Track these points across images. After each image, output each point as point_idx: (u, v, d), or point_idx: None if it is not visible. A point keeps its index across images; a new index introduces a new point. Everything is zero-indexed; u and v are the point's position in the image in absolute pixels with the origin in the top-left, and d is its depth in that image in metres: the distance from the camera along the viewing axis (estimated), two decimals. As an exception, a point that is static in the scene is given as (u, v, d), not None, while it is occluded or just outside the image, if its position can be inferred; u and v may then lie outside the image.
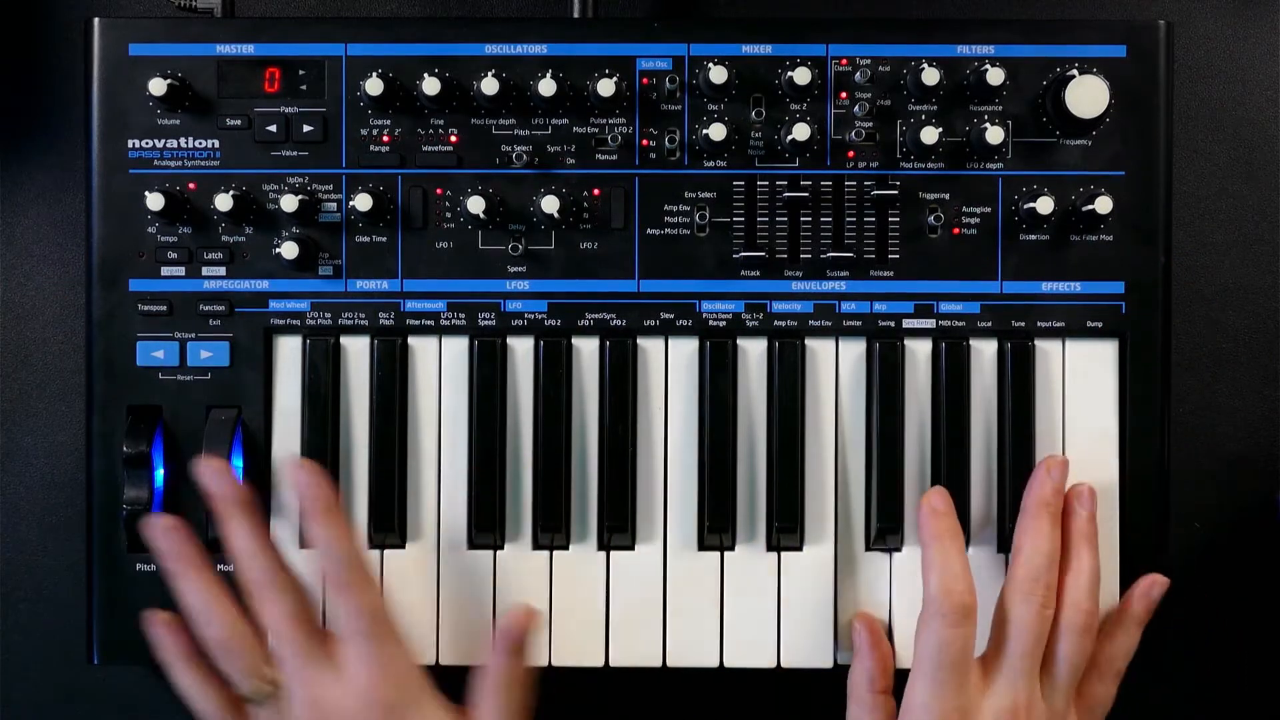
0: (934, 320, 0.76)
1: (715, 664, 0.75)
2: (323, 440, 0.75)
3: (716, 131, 0.74)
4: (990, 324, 0.76)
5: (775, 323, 0.76)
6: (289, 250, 0.74)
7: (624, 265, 0.76)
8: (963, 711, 0.69)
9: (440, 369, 0.77)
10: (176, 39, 0.75)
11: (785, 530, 0.75)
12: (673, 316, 0.76)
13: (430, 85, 0.74)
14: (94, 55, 0.75)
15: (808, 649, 0.76)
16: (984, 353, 0.76)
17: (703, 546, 0.76)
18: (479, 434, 0.75)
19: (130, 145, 0.75)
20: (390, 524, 0.75)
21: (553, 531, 0.75)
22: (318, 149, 0.76)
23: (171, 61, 0.75)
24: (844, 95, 0.76)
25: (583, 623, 0.75)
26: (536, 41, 0.75)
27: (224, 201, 0.74)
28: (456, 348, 0.77)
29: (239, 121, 0.75)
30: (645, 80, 0.76)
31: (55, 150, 0.84)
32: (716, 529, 0.75)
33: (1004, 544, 0.76)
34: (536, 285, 0.76)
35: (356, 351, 0.77)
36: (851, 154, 0.76)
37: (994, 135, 0.74)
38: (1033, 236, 0.76)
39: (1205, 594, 0.82)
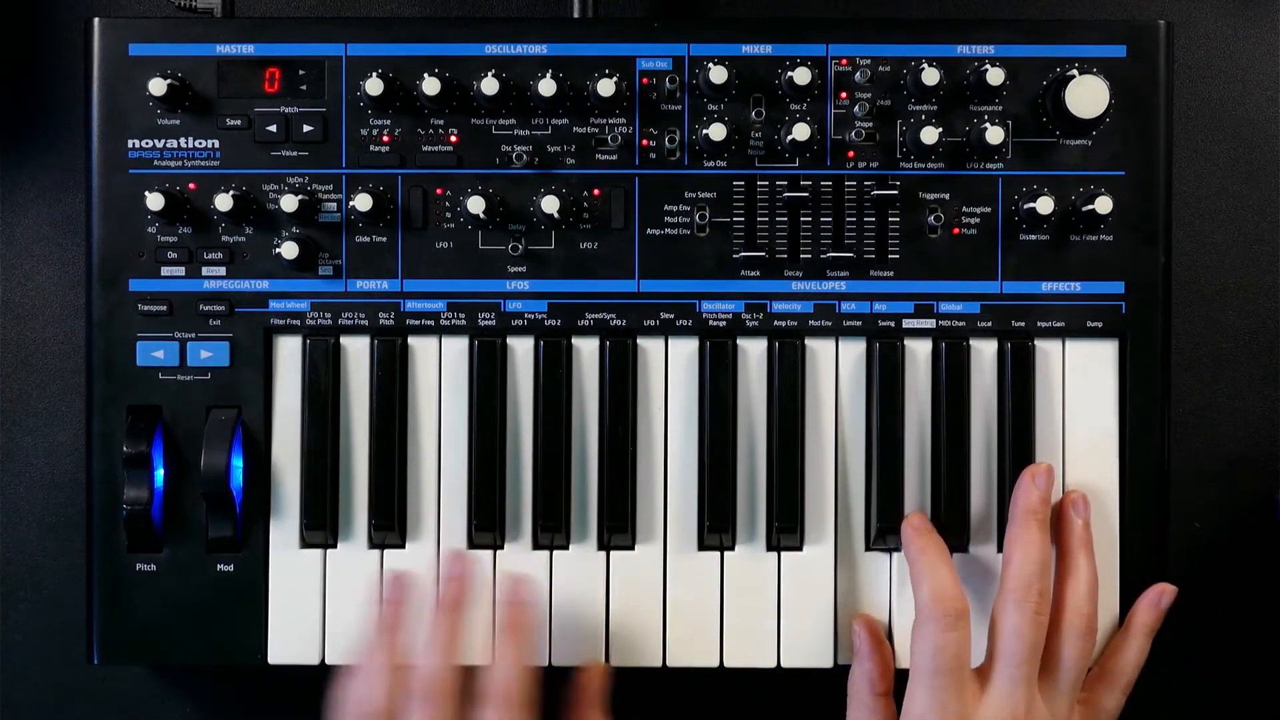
0: (934, 320, 0.76)
1: (715, 664, 0.75)
2: (323, 440, 0.75)
3: (716, 131, 0.74)
4: (990, 324, 0.76)
5: (775, 323, 0.76)
6: (289, 250, 0.74)
7: (624, 265, 0.76)
8: (961, 717, 0.69)
9: (440, 369, 0.77)
10: (176, 39, 0.75)
11: (785, 530, 0.75)
12: (673, 316, 0.76)
13: (430, 85, 0.74)
14: (94, 55, 0.75)
15: (808, 649, 0.76)
16: (984, 353, 0.76)
17: (703, 546, 0.76)
18: (479, 434, 0.75)
19: (130, 145, 0.75)
20: (390, 524, 0.75)
21: (553, 531, 0.75)
22: (318, 149, 0.76)
23: (171, 61, 0.75)
24: (844, 95, 0.76)
25: (583, 623, 0.75)
26: (536, 41, 0.75)
27: (224, 201, 0.74)
28: (456, 348, 0.77)
29: (239, 121, 0.75)
30: (645, 80, 0.76)
31: (55, 150, 0.84)
32: (716, 529, 0.75)
33: (1003, 544, 0.75)
34: (536, 285, 0.76)
35: (356, 351, 0.77)
36: (851, 154, 0.76)
37: (994, 135, 0.74)
38: (1033, 236, 0.76)
39: (1205, 594, 0.82)
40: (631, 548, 0.76)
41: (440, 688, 0.68)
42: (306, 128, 0.75)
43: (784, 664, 0.76)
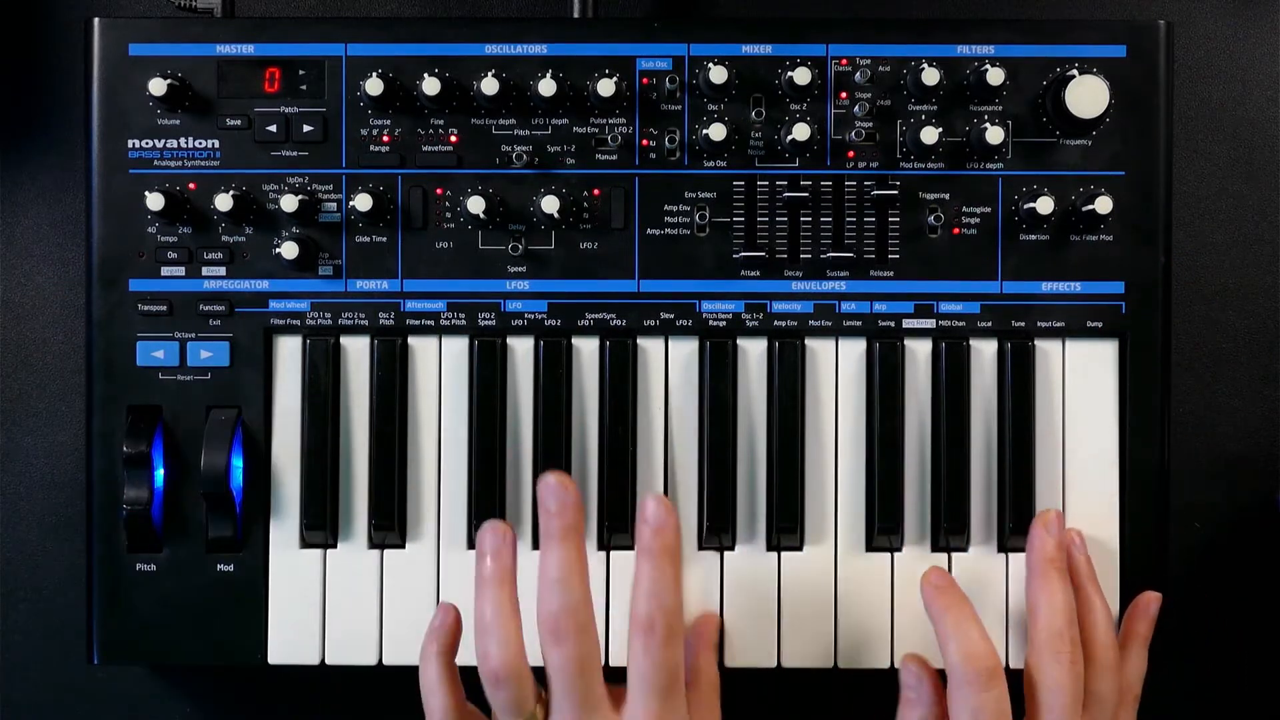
0: (934, 320, 0.76)
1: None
2: (323, 440, 0.75)
3: (716, 131, 0.74)
4: (990, 324, 0.76)
5: (775, 323, 0.76)
6: (289, 250, 0.74)
7: (624, 265, 0.76)
8: None
9: (440, 369, 0.77)
10: (176, 39, 0.75)
11: (785, 530, 0.75)
12: (673, 316, 0.76)
13: (430, 85, 0.74)
14: (94, 55, 0.75)
15: (808, 649, 0.76)
16: (984, 353, 0.76)
17: (703, 546, 0.76)
18: (479, 434, 0.75)
19: (130, 145, 0.75)
20: (390, 524, 0.75)
21: (553, 531, 0.75)
22: (318, 149, 0.76)
23: (171, 61, 0.75)
24: (844, 95, 0.76)
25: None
26: (536, 41, 0.75)
27: (224, 201, 0.74)
28: (456, 348, 0.77)
29: (239, 121, 0.75)
30: (645, 80, 0.76)
31: (55, 150, 0.84)
32: (716, 529, 0.75)
33: (1004, 544, 0.76)
34: (536, 285, 0.76)
35: (356, 351, 0.77)
36: (851, 154, 0.76)
37: (994, 135, 0.74)
38: (1033, 236, 0.76)
39: (1205, 594, 0.82)
40: (631, 548, 0.76)
41: (580, 620, 0.64)
42: (306, 128, 0.75)
43: (784, 664, 0.76)
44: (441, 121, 0.76)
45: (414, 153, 0.76)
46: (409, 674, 0.72)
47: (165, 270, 0.76)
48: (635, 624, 0.65)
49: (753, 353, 0.76)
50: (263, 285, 0.76)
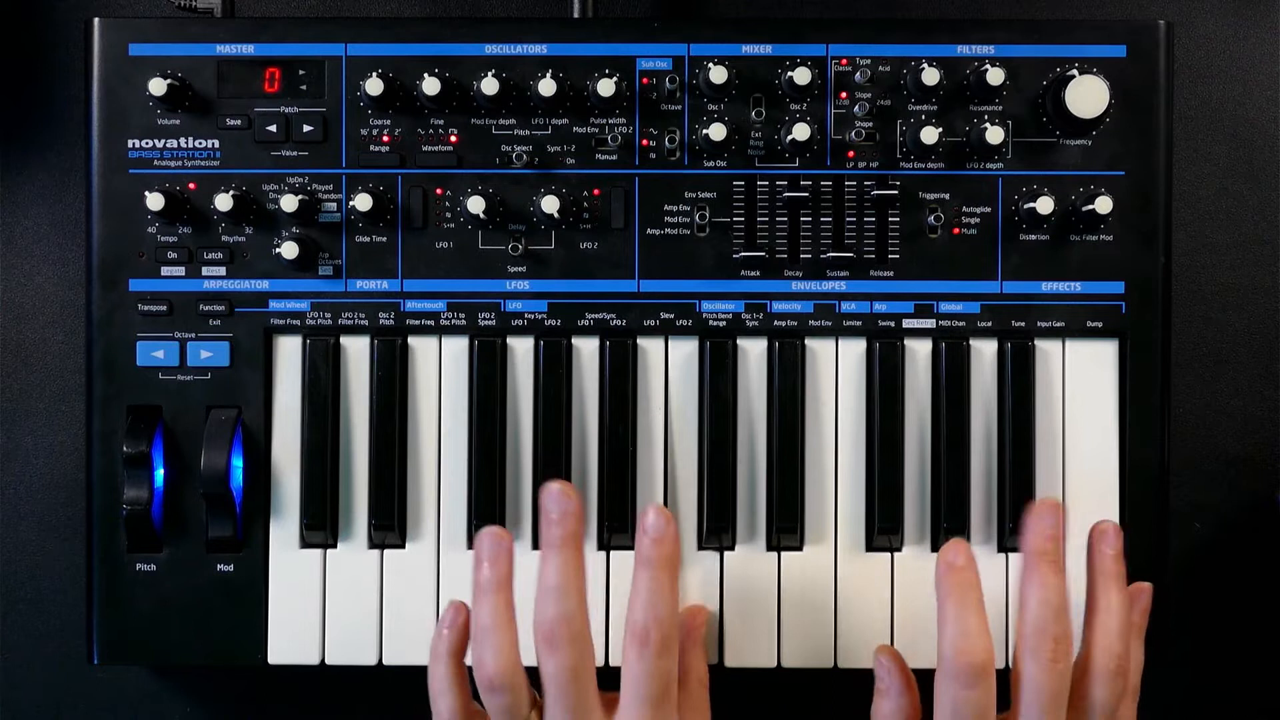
0: (934, 320, 0.76)
1: (715, 664, 0.75)
2: (323, 440, 0.75)
3: (716, 131, 0.74)
4: (990, 324, 0.76)
5: (775, 323, 0.76)
6: (289, 250, 0.74)
7: (624, 265, 0.76)
8: None
9: (440, 369, 0.77)
10: (176, 39, 0.75)
11: (785, 530, 0.75)
12: (673, 316, 0.76)
13: (430, 85, 0.74)
14: (94, 55, 0.75)
15: (808, 649, 0.76)
16: (984, 353, 0.76)
17: (703, 546, 0.76)
18: (479, 434, 0.75)
19: (130, 145, 0.75)
20: (390, 524, 0.75)
21: (553, 531, 0.75)
22: (318, 149, 0.76)
23: (171, 61, 0.75)
24: (844, 95, 0.76)
25: (583, 623, 0.75)
26: (536, 41, 0.75)
27: (224, 201, 0.74)
28: (456, 348, 0.77)
29: (239, 121, 0.75)
30: (645, 80, 0.76)
31: (55, 150, 0.84)
32: (716, 529, 0.75)
33: (1004, 544, 0.76)
34: (536, 285, 0.76)
35: (356, 351, 0.77)
36: (851, 154, 0.76)
37: (994, 135, 0.74)
38: (1033, 236, 0.76)
39: (1205, 594, 0.82)
40: (631, 548, 0.76)
41: (574, 628, 0.65)
42: (306, 128, 0.75)
43: (784, 664, 0.76)
44: (441, 121, 0.76)
45: (414, 153, 0.76)
46: (409, 674, 0.72)
47: (165, 270, 0.76)
48: (631, 633, 0.66)
49: (753, 353, 0.76)
50: (263, 285, 0.76)
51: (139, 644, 0.75)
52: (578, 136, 0.76)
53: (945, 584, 0.68)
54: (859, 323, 0.76)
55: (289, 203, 0.74)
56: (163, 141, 0.76)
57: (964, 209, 0.76)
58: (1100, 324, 0.76)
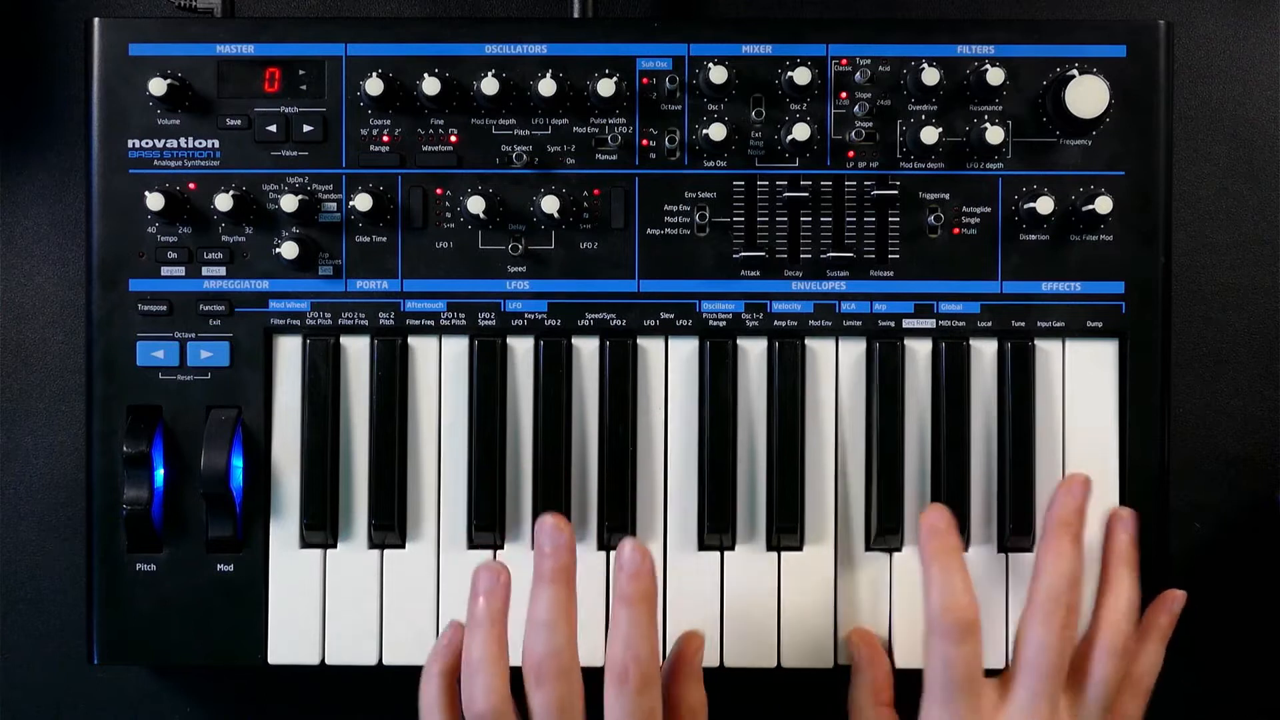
0: (934, 320, 0.76)
1: (716, 664, 0.75)
2: (323, 440, 0.75)
3: (716, 131, 0.74)
4: (990, 324, 0.76)
5: (775, 323, 0.76)
6: (289, 250, 0.74)
7: (624, 265, 0.76)
8: None
9: (440, 369, 0.77)
10: (176, 39, 0.75)
11: (785, 530, 0.75)
12: (673, 316, 0.76)
13: (430, 85, 0.74)
14: (94, 55, 0.75)
15: (808, 649, 0.76)
16: (984, 353, 0.76)
17: (703, 546, 0.76)
18: (479, 434, 0.75)
19: (130, 145, 0.75)
20: (390, 524, 0.75)
21: (553, 531, 0.75)
22: (318, 149, 0.76)
23: (171, 61, 0.75)
24: (844, 95, 0.76)
25: (583, 623, 0.75)
26: (536, 41, 0.75)
27: (224, 201, 0.74)
28: (456, 348, 0.77)
29: (239, 121, 0.75)
30: (645, 80, 0.76)
31: (55, 150, 0.84)
32: (716, 529, 0.75)
33: (1004, 544, 0.76)
34: (536, 285, 0.76)
35: (356, 351, 0.77)
36: (851, 154, 0.76)
37: (994, 135, 0.74)
38: (1033, 236, 0.76)
39: (1205, 594, 0.82)
40: (631, 548, 0.76)
41: (562, 663, 0.65)
42: (306, 128, 0.75)
43: (784, 664, 0.76)
44: (441, 121, 0.76)
45: (414, 153, 0.76)
46: (409, 674, 0.72)
47: (165, 270, 0.76)
48: (610, 671, 0.66)
49: (753, 353, 0.76)
50: (263, 285, 0.76)
51: (139, 644, 0.75)
52: (578, 136, 0.76)
53: (929, 547, 0.69)
54: (859, 323, 0.76)
55: (289, 203, 0.74)
56: (163, 141, 0.76)
57: (964, 209, 0.76)
58: (1100, 324, 0.76)
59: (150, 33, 0.76)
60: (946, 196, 0.76)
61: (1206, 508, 0.83)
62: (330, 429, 0.76)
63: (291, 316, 0.76)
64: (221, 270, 0.76)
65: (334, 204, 0.76)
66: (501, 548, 0.76)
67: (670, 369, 0.77)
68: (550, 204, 0.74)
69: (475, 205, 0.74)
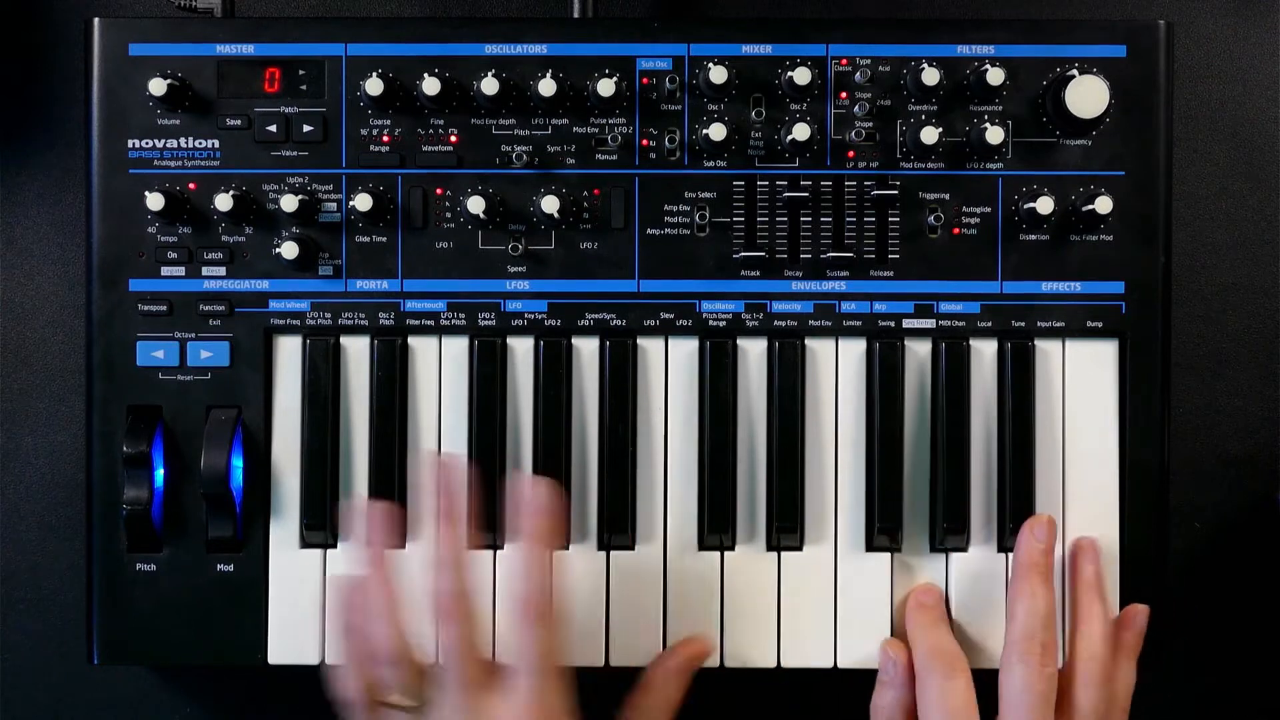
0: (934, 320, 0.76)
1: (715, 664, 0.75)
2: (323, 440, 0.75)
3: (716, 131, 0.74)
4: (990, 324, 0.76)
5: (775, 323, 0.76)
6: (289, 250, 0.74)
7: (624, 265, 0.76)
8: None
9: (440, 369, 0.77)
10: (176, 39, 0.75)
11: (785, 530, 0.75)
12: (673, 316, 0.76)
13: (430, 85, 0.74)
14: (94, 55, 0.75)
15: (808, 649, 0.76)
16: (984, 353, 0.76)
17: (703, 546, 0.76)
18: (479, 434, 0.75)
19: (130, 145, 0.75)
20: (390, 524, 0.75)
21: (553, 531, 0.75)
22: (318, 149, 0.76)
23: (171, 61, 0.75)
24: (844, 95, 0.76)
25: (582, 623, 0.75)
26: (536, 41, 0.75)
27: (224, 201, 0.74)
28: (456, 348, 0.77)
29: (239, 121, 0.75)
30: (645, 80, 0.76)
31: (55, 150, 0.84)
32: (716, 529, 0.75)
33: (1004, 544, 0.76)
34: (536, 285, 0.76)
35: (356, 351, 0.77)
36: (851, 154, 0.76)
37: (994, 135, 0.74)
38: (1033, 236, 0.76)
39: (1205, 594, 0.82)
40: (631, 548, 0.76)
41: (463, 604, 0.68)
42: (306, 128, 0.75)
43: (784, 664, 0.76)
44: (441, 121, 0.76)
45: (414, 153, 0.76)
46: (409, 674, 0.72)
47: (165, 270, 0.76)
48: (510, 604, 0.68)
49: (753, 353, 0.76)
50: (263, 285, 0.76)
51: (139, 644, 0.75)
52: (578, 136, 0.76)
53: (912, 618, 0.74)
54: (859, 323, 0.76)
55: (289, 203, 0.74)
56: (163, 141, 0.76)
57: (964, 209, 0.76)
58: (1100, 324, 0.76)
59: (150, 33, 0.76)
60: (946, 196, 0.76)
61: (1206, 508, 0.83)
62: (330, 429, 0.76)
63: (291, 316, 0.76)
64: (221, 270, 0.76)
65: (334, 204, 0.76)
66: (501, 548, 0.76)
67: (670, 369, 0.77)
68: (550, 204, 0.74)
69: (475, 205, 0.74)
